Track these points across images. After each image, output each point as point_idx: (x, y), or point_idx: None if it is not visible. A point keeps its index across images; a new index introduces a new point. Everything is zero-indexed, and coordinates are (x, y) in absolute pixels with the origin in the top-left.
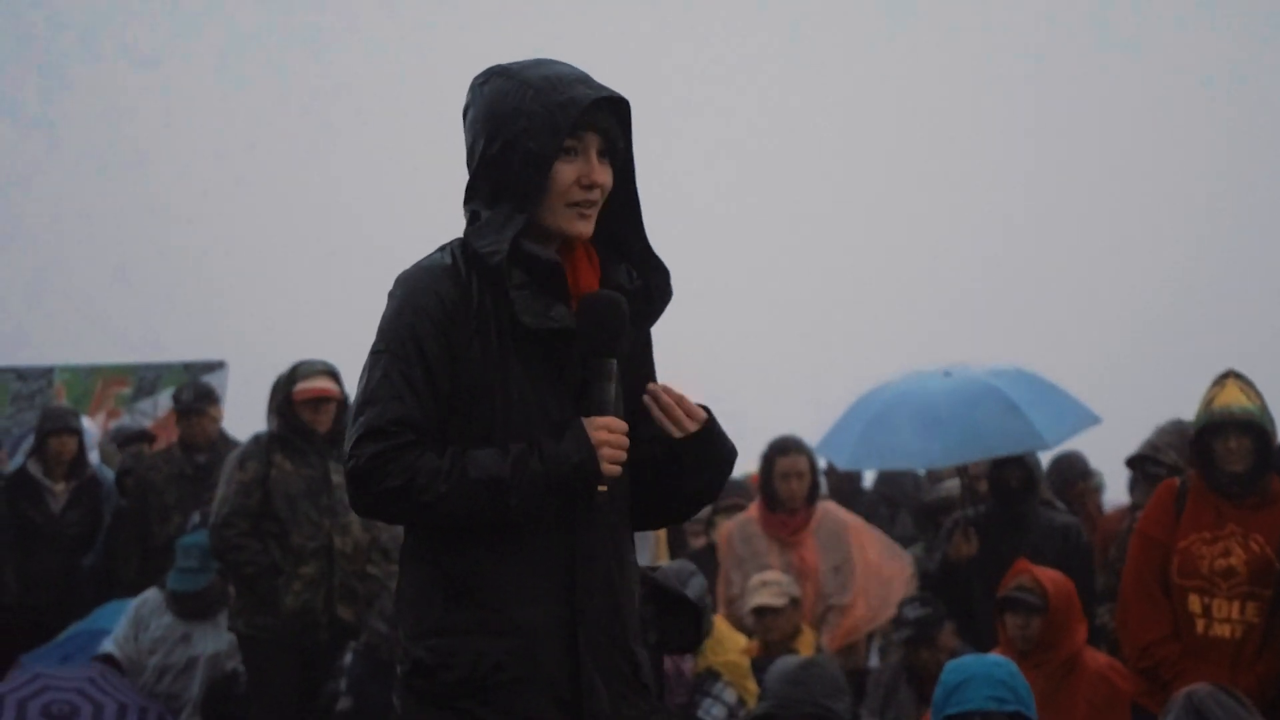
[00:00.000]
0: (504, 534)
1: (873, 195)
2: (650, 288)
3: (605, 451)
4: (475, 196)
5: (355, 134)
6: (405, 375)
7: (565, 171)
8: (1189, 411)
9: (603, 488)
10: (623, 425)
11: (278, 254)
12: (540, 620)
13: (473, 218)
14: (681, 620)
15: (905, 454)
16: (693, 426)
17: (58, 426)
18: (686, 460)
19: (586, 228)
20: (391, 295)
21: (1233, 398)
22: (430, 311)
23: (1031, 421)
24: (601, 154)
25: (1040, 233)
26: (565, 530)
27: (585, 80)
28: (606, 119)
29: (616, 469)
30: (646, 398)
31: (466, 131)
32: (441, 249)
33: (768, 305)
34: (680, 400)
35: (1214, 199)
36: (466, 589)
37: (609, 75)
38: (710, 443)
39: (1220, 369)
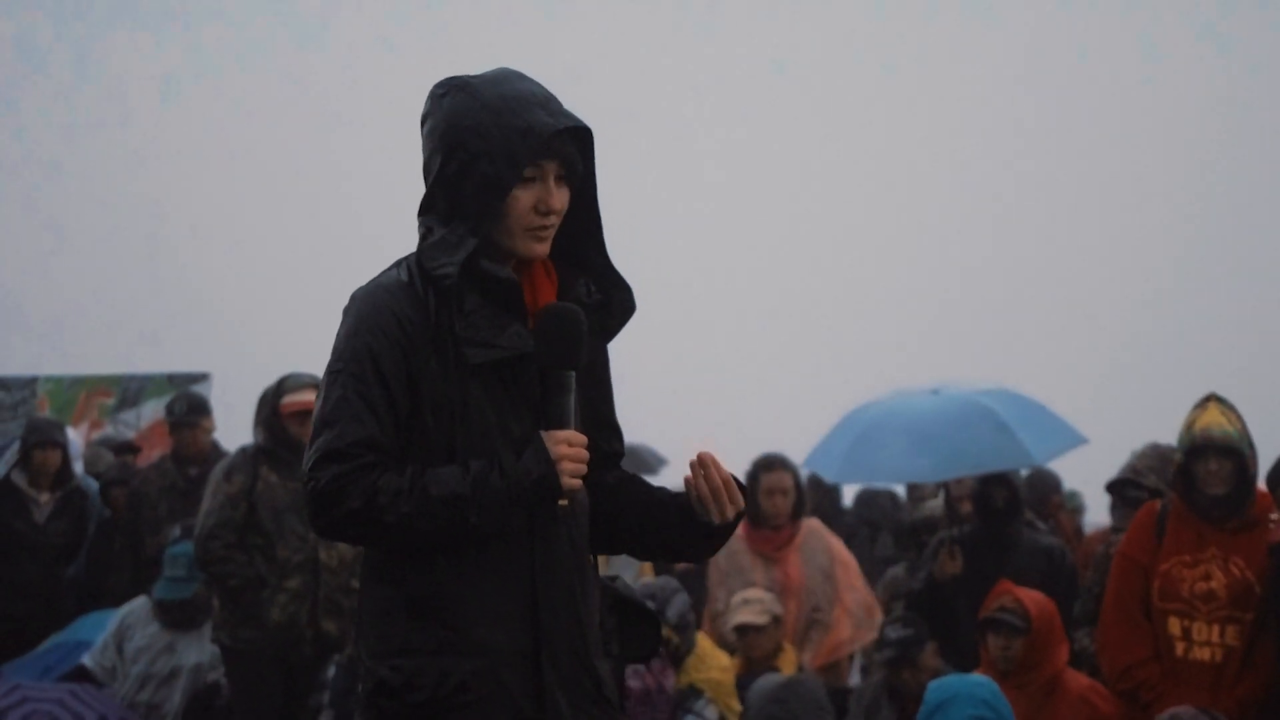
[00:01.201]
0: (466, 552)
1: (858, 215)
2: (610, 303)
3: (565, 465)
4: (431, 210)
5: (342, 144)
6: (364, 396)
7: (522, 198)
8: (1170, 435)
9: (563, 501)
10: (582, 439)
11: (263, 266)
12: (503, 640)
13: (426, 233)
14: (642, 630)
15: (893, 470)
16: (730, 516)
17: (42, 440)
18: (699, 532)
19: (542, 250)
20: (346, 313)
21: (1213, 421)
22: (388, 330)
23: (1020, 440)
24: (559, 178)
25: (1025, 255)
26: (527, 547)
27: (546, 104)
28: (566, 144)
29: (577, 482)
30: (694, 469)
31: (424, 142)
32: (397, 264)
33: (755, 322)
34: (727, 482)
35: (1199, 222)
36: (429, 608)
37: (600, 87)
38: (731, 530)
39: (1202, 392)
